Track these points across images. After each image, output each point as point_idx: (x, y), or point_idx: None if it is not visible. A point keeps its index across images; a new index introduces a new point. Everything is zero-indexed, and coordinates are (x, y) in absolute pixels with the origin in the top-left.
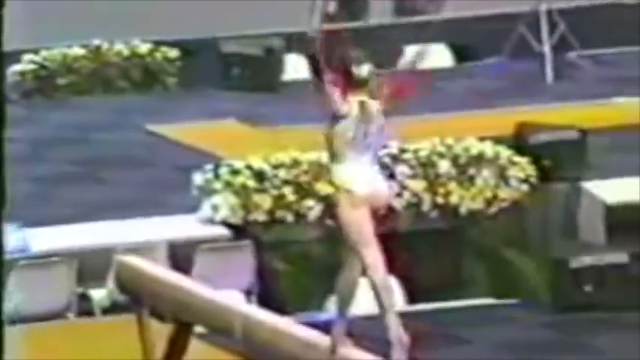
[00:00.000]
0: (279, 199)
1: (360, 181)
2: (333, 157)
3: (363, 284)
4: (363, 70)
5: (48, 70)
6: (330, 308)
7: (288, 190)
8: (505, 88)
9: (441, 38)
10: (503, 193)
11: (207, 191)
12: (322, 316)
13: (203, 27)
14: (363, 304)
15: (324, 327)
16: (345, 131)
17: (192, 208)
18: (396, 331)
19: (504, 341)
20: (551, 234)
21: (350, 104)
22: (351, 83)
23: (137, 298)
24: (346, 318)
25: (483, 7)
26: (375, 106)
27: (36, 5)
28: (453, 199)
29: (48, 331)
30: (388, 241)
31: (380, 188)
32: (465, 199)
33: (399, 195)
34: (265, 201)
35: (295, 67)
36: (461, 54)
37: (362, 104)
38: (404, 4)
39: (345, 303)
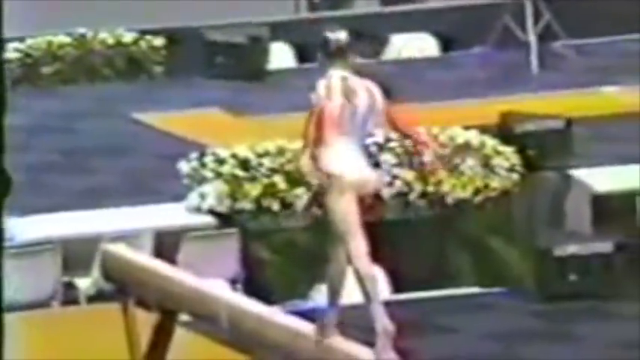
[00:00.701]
0: (269, 187)
1: (350, 166)
2: (319, 140)
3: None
4: (341, 35)
5: (33, 59)
6: (315, 297)
7: (278, 179)
8: (490, 78)
9: (426, 28)
10: (493, 183)
11: (196, 179)
12: (307, 305)
13: (188, 15)
14: (349, 292)
15: (310, 315)
16: (332, 111)
17: (178, 197)
18: (381, 321)
19: (490, 330)
20: (538, 223)
21: (331, 80)
22: (328, 52)
23: (122, 286)
24: (337, 308)
25: None
26: (359, 83)
27: None
28: (444, 188)
29: (33, 319)
30: (374, 229)
31: (368, 175)
32: (456, 189)
33: (390, 184)
34: (255, 189)
35: (280, 56)
36: (446, 43)
37: (344, 80)
38: None
39: (335, 293)
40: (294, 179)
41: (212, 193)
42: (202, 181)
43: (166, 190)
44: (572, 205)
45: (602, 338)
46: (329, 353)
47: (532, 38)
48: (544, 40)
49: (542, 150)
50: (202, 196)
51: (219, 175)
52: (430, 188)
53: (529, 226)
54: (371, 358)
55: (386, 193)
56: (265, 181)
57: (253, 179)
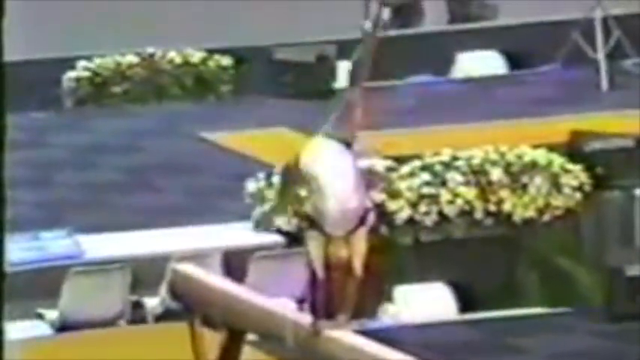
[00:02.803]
0: None
1: None
2: None
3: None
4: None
5: (102, 78)
6: (383, 316)
7: None
8: (559, 96)
9: (495, 45)
10: (556, 201)
11: (259, 199)
12: (375, 324)
13: (256, 34)
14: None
15: (377, 335)
16: None
17: (244, 216)
18: None
19: (559, 350)
20: (607, 242)
21: None
22: None
23: (190, 305)
24: None
25: (537, 13)
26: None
27: (89, 12)
28: (506, 206)
29: (100, 338)
30: (441, 248)
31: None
32: (518, 207)
33: (451, 202)
34: None
35: (348, 75)
36: (514, 61)
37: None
38: (458, 11)
39: None
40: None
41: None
42: (264, 200)
43: (233, 209)
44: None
45: None
46: None
47: (601, 56)
48: (614, 58)
49: (611, 168)
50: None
51: None
52: (492, 207)
53: (597, 245)
54: None
55: (450, 211)
56: None
57: None
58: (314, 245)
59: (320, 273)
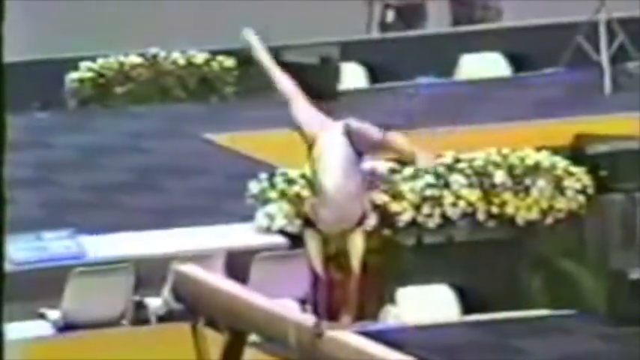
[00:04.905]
0: None
1: None
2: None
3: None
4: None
5: (105, 78)
6: (385, 318)
7: None
8: (562, 99)
9: (498, 47)
10: (559, 204)
11: (261, 200)
12: (377, 326)
13: (259, 36)
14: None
15: (379, 336)
16: None
17: (248, 217)
18: None
19: (562, 353)
20: (610, 245)
21: None
22: None
23: (193, 306)
24: None
25: (541, 16)
26: None
27: (93, 13)
28: (509, 209)
29: (103, 338)
30: (445, 250)
31: None
32: (521, 210)
33: (454, 205)
34: None
35: (351, 76)
36: (518, 64)
37: None
38: (462, 13)
39: None
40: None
41: (278, 213)
42: (266, 201)
43: (236, 210)
44: None
45: None
46: None
47: (605, 59)
48: (617, 60)
49: (614, 171)
50: (270, 217)
51: (283, 195)
52: (495, 209)
53: (600, 248)
54: None
55: (453, 213)
56: None
57: None
58: (312, 245)
59: (319, 272)
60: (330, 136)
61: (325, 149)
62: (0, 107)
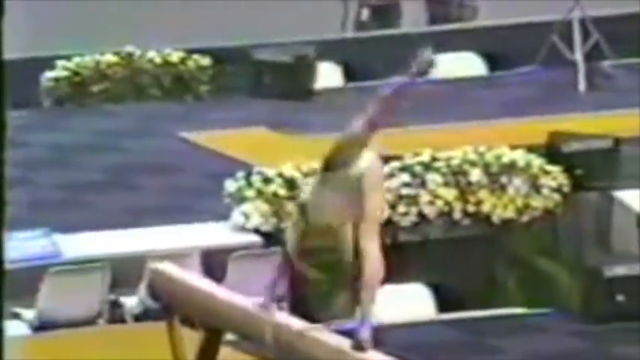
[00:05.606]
0: None
1: None
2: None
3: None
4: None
5: (81, 77)
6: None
7: None
8: (537, 97)
9: (474, 46)
10: (535, 202)
11: (237, 199)
12: (352, 324)
13: (235, 35)
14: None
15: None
16: None
17: (224, 216)
18: None
19: (536, 351)
20: (585, 243)
21: None
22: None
23: (168, 305)
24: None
25: (516, 15)
26: None
27: (69, 12)
28: (485, 207)
29: (79, 337)
30: (420, 248)
31: None
32: (497, 208)
33: (431, 203)
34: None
35: (327, 75)
36: (493, 62)
37: None
38: (437, 11)
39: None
40: None
41: (254, 212)
42: (243, 200)
43: (212, 209)
44: (619, 226)
45: None
46: None
47: (579, 57)
48: (591, 59)
49: (590, 169)
50: (246, 216)
51: (260, 194)
52: (471, 207)
53: (576, 246)
54: None
55: (429, 211)
56: None
57: (297, 198)
58: (292, 236)
59: (295, 262)
60: None
61: None
62: (0, 106)
